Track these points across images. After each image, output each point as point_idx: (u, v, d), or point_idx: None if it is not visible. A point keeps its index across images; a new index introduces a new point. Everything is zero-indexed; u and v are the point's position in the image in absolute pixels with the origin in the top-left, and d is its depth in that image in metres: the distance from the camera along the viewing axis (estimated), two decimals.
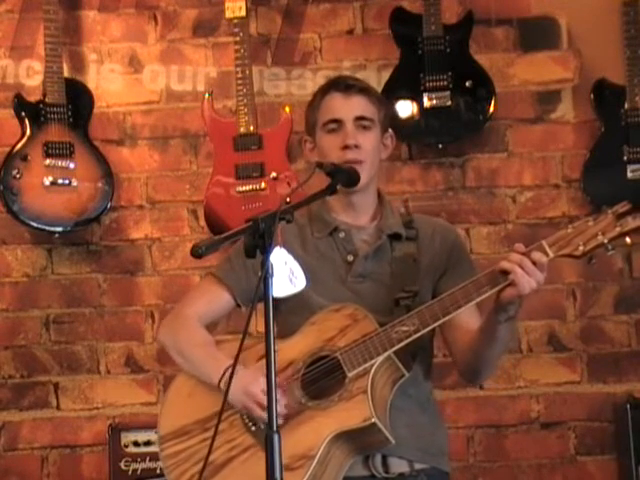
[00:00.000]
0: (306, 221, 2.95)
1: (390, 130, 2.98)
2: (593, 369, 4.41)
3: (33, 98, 4.42)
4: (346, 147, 2.84)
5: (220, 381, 2.73)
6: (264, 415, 2.56)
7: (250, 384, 2.66)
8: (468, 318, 2.79)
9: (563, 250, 2.61)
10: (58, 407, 4.47)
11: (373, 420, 2.64)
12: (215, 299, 2.93)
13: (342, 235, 2.90)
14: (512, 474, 4.39)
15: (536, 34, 4.52)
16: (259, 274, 2.35)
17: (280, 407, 2.66)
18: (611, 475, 4.34)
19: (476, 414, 4.40)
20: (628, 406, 4.13)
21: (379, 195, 2.98)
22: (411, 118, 4.40)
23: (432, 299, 2.76)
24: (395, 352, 2.70)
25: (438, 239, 2.92)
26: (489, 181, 4.50)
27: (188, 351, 2.87)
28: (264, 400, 2.49)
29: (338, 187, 2.75)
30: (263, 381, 2.39)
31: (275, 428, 2.28)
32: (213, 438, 2.46)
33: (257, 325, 2.59)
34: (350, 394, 2.69)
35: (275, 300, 2.81)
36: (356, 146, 2.84)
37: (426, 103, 4.40)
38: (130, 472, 4.14)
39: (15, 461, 4.44)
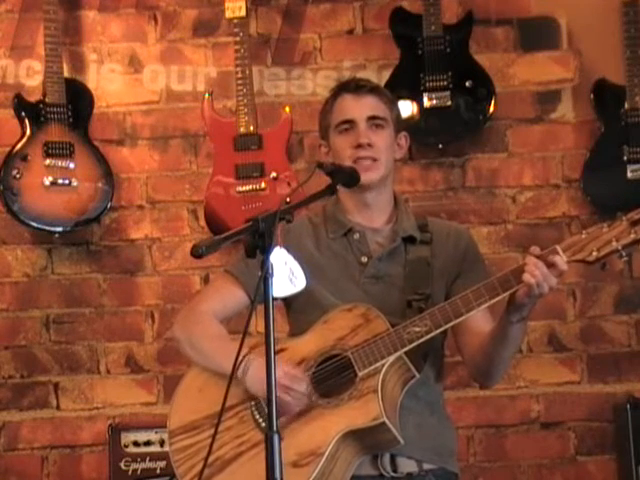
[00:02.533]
0: (321, 221, 2.96)
1: (404, 131, 2.99)
2: (593, 369, 4.41)
3: (33, 98, 4.42)
4: (359, 146, 2.85)
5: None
6: (288, 398, 2.63)
7: None
8: (480, 321, 2.80)
9: (577, 255, 2.62)
10: (58, 407, 4.47)
11: (382, 419, 2.65)
12: (229, 296, 2.93)
13: (357, 236, 2.90)
14: (512, 474, 4.39)
15: (536, 34, 4.52)
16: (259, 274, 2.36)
17: (303, 387, 2.69)
18: (611, 475, 4.34)
19: (476, 414, 4.41)
20: (628, 406, 4.13)
21: (395, 198, 2.99)
22: (411, 118, 4.40)
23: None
24: (406, 353, 2.71)
25: (452, 243, 2.92)
26: (489, 181, 4.51)
27: (201, 344, 2.87)
28: (288, 382, 2.59)
29: (348, 187, 2.77)
30: (281, 367, 2.41)
31: (275, 428, 2.29)
32: (214, 436, 2.47)
33: (257, 325, 2.60)
34: (360, 393, 2.69)
35: (287, 299, 2.84)
36: (369, 145, 2.86)
37: (426, 103, 4.40)
38: (130, 472, 4.14)
39: (15, 461, 4.44)
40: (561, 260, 2.60)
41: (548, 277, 2.59)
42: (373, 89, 2.94)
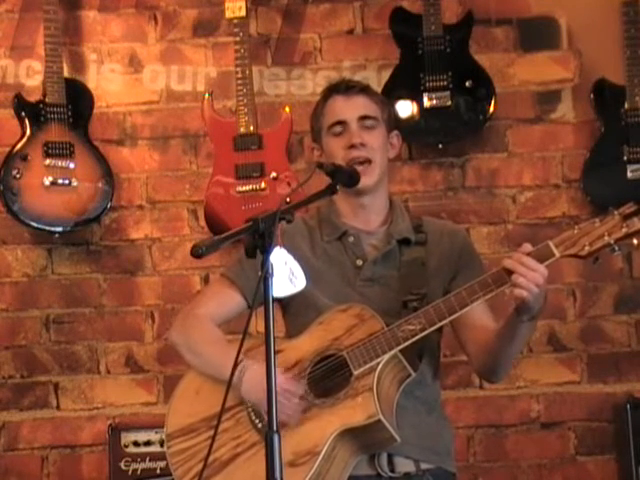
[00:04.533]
0: (315, 224, 2.97)
1: (396, 130, 2.99)
2: (593, 369, 4.41)
3: (33, 98, 4.42)
4: (352, 146, 2.85)
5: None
6: (281, 416, 2.58)
7: (265, 380, 2.51)
8: (480, 317, 2.81)
9: (569, 250, 2.63)
10: (58, 407, 4.47)
11: (378, 417, 2.65)
12: (226, 300, 2.94)
13: (351, 240, 2.91)
14: (512, 474, 4.39)
15: (536, 34, 4.52)
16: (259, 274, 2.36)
17: (295, 403, 2.69)
18: (611, 475, 4.34)
19: (476, 414, 4.40)
20: (628, 406, 4.13)
21: (390, 199, 2.99)
22: (411, 118, 4.40)
23: None
24: (402, 352, 2.72)
25: (447, 243, 2.93)
26: (489, 181, 4.51)
27: (200, 348, 2.87)
28: (280, 395, 2.54)
29: (346, 189, 2.78)
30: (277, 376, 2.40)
31: (275, 428, 2.29)
32: (214, 437, 2.47)
33: (257, 325, 2.60)
34: (356, 392, 2.70)
35: (283, 301, 2.84)
36: (362, 144, 2.86)
37: (426, 103, 4.40)
38: (130, 472, 4.14)
39: (15, 461, 4.44)
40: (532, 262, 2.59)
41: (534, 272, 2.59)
42: (363, 89, 2.94)
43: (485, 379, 3.00)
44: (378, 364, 2.70)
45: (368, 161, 2.86)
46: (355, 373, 2.70)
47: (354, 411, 2.67)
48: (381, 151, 2.90)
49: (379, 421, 2.65)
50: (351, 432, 2.68)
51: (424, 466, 2.81)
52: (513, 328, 2.69)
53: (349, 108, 2.90)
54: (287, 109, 4.43)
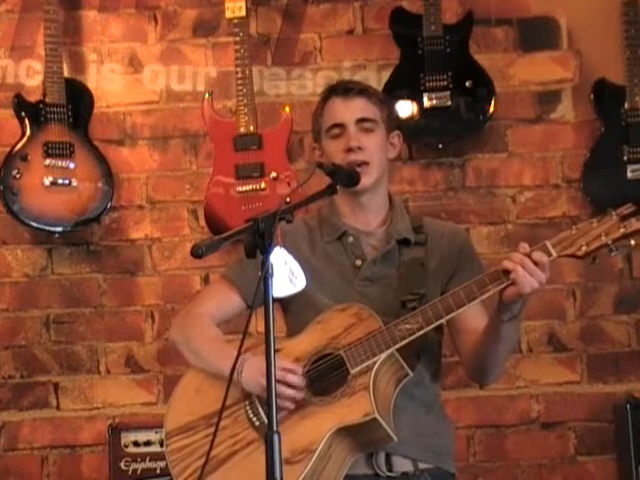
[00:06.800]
0: (316, 224, 2.97)
1: (397, 130, 2.99)
2: (593, 369, 4.42)
3: (33, 98, 4.42)
4: (349, 150, 2.85)
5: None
6: (285, 391, 2.64)
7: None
8: (476, 319, 2.80)
9: (566, 250, 2.63)
10: (58, 407, 4.47)
11: (374, 416, 2.65)
12: (226, 300, 2.94)
13: (351, 240, 2.91)
14: (512, 474, 4.39)
15: (536, 34, 4.52)
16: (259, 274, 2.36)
17: (297, 378, 2.69)
18: (611, 475, 4.34)
19: (476, 414, 4.41)
20: (628, 406, 4.13)
21: (390, 199, 2.98)
22: (411, 118, 4.40)
23: None
24: (399, 351, 2.72)
25: (446, 243, 2.92)
26: (489, 181, 4.51)
27: (199, 346, 2.88)
28: (282, 376, 2.60)
29: (344, 189, 2.77)
30: (277, 362, 2.42)
31: (275, 428, 2.29)
32: (214, 433, 2.47)
33: (257, 325, 2.60)
34: (352, 390, 2.70)
35: (284, 301, 2.84)
36: (359, 148, 2.85)
37: (426, 103, 4.40)
38: (130, 472, 4.14)
39: (15, 461, 4.44)
40: (539, 254, 2.59)
41: (534, 273, 2.58)
42: (362, 91, 2.93)
43: (474, 381, 3.00)
44: (375, 363, 2.70)
45: (365, 163, 2.86)
46: (352, 372, 2.70)
47: (350, 409, 2.67)
48: (379, 153, 2.90)
49: (375, 419, 2.65)
50: (347, 430, 2.68)
51: (422, 466, 2.81)
52: (495, 328, 2.69)
53: (347, 110, 2.90)
54: (287, 109, 4.43)
